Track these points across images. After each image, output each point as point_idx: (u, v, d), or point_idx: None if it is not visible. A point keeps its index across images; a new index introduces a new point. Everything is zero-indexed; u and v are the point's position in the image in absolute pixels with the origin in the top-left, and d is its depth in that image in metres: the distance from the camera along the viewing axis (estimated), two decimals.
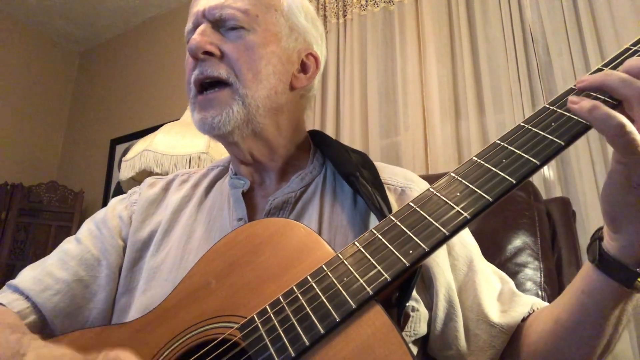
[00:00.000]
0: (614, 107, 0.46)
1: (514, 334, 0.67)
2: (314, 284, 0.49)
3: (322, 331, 0.45)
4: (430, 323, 0.67)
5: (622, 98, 0.47)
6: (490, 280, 0.72)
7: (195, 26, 0.73)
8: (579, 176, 1.68)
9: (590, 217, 1.60)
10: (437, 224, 0.47)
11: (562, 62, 1.79)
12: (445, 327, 0.67)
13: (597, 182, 1.63)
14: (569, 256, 1.03)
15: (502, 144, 0.50)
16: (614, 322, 0.55)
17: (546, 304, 0.70)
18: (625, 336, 1.41)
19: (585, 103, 0.47)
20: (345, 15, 2.40)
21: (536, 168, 0.46)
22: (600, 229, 0.54)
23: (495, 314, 0.67)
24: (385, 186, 0.73)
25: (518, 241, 1.02)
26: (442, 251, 0.70)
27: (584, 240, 1.42)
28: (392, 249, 0.48)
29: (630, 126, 0.44)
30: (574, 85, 0.51)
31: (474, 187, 0.48)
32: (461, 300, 0.69)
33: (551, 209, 1.09)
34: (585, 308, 0.56)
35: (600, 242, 0.53)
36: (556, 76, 1.81)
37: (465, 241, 0.74)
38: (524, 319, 0.68)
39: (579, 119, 0.47)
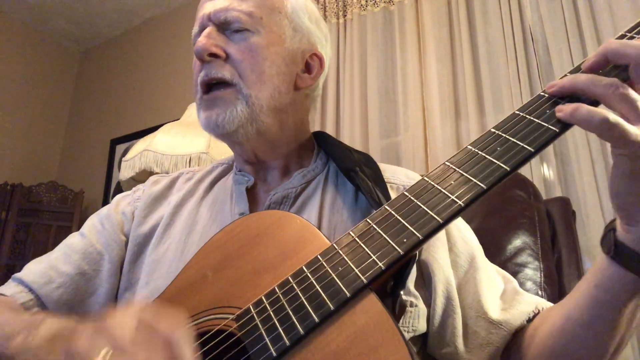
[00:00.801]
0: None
1: (519, 335, 0.65)
2: (309, 274, 0.49)
3: (316, 320, 0.45)
4: (429, 320, 0.67)
5: (597, 99, 0.46)
6: (492, 278, 0.71)
7: (202, 29, 0.74)
8: (579, 176, 1.68)
9: (590, 217, 1.60)
10: (431, 213, 0.47)
11: (562, 62, 1.80)
12: (443, 323, 0.67)
13: (597, 182, 1.63)
14: (569, 256, 1.03)
15: (497, 132, 0.50)
16: (628, 317, 0.53)
17: (551, 304, 0.68)
18: None
19: (569, 107, 0.46)
20: (345, 15, 2.40)
21: (530, 155, 0.46)
22: (613, 220, 0.53)
23: (495, 311, 0.67)
24: (388, 184, 0.73)
25: (518, 241, 1.01)
26: (442, 247, 0.70)
27: (584, 241, 1.41)
28: (386, 237, 0.48)
29: (613, 118, 0.44)
30: (543, 92, 0.51)
31: (468, 176, 0.48)
32: (461, 297, 0.68)
33: (551, 209, 1.08)
34: (598, 303, 0.53)
35: (614, 233, 0.51)
36: (556, 76, 1.81)
37: (467, 238, 0.73)
38: (529, 320, 0.66)
39: None
